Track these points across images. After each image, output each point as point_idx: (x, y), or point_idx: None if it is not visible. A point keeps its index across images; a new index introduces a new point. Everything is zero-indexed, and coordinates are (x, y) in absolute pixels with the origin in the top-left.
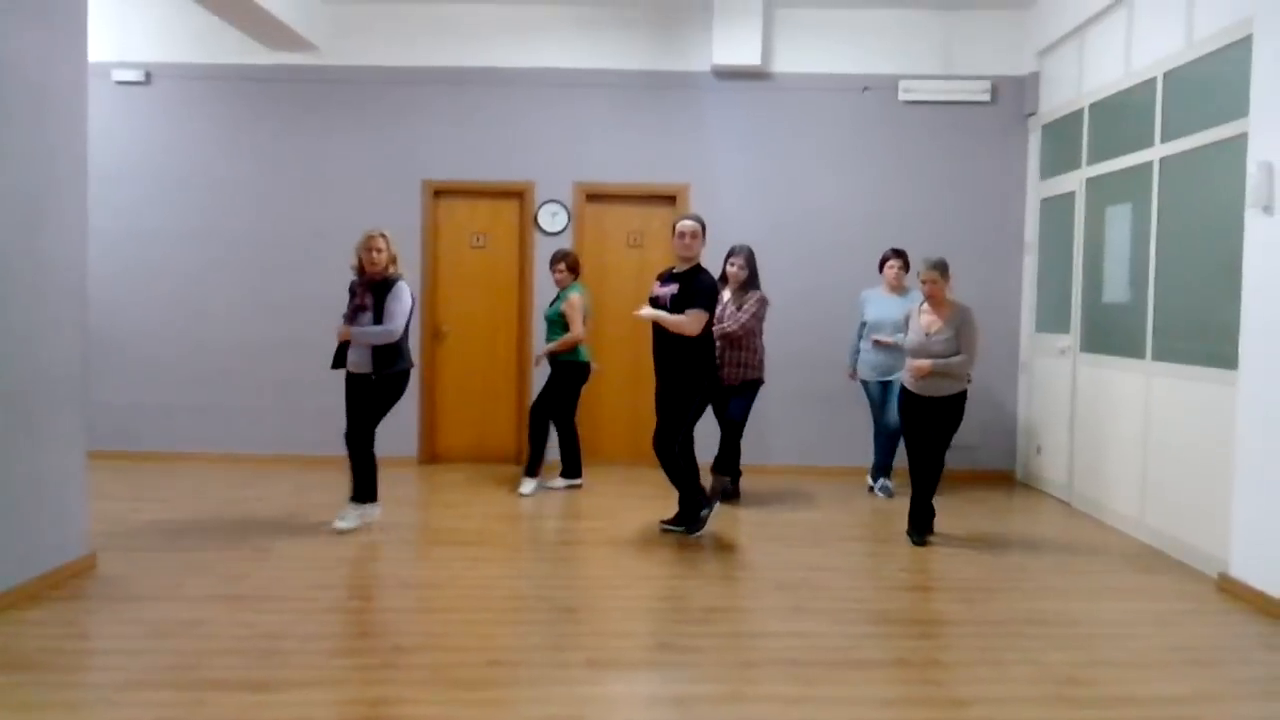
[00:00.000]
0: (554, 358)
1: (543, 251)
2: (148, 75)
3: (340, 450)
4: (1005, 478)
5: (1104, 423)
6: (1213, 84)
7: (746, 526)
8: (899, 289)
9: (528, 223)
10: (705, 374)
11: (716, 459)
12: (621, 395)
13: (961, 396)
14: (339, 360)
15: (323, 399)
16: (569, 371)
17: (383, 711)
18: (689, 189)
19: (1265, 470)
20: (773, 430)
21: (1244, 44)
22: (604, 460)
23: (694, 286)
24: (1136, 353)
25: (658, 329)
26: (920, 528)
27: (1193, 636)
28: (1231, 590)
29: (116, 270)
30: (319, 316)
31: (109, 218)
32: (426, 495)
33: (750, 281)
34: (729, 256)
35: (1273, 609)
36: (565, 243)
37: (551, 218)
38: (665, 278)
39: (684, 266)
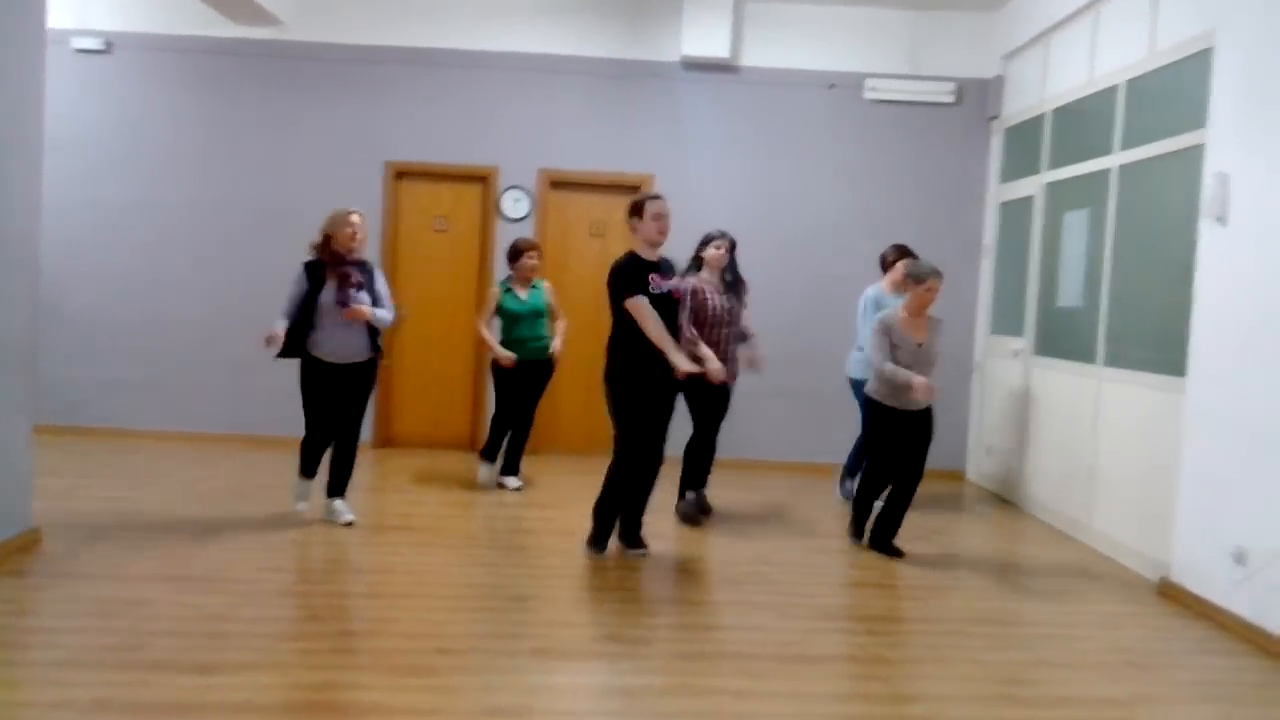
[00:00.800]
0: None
1: (504, 237)
2: (108, 44)
3: (292, 433)
4: (955, 477)
5: (1054, 426)
6: (1173, 94)
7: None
8: (903, 290)
9: (490, 208)
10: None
11: (693, 470)
12: (578, 386)
13: (930, 407)
14: (291, 349)
15: (274, 379)
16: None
17: (328, 696)
18: (654, 179)
19: (1208, 478)
20: (734, 424)
21: (1204, 56)
22: (559, 450)
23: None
24: (1088, 357)
25: (631, 329)
26: (887, 540)
27: (1133, 639)
28: (1172, 595)
29: (69, 241)
30: (273, 295)
31: (63, 187)
32: (380, 480)
33: (732, 267)
34: (711, 240)
35: (1211, 614)
36: (527, 229)
37: (514, 204)
38: (651, 268)
39: (657, 254)
